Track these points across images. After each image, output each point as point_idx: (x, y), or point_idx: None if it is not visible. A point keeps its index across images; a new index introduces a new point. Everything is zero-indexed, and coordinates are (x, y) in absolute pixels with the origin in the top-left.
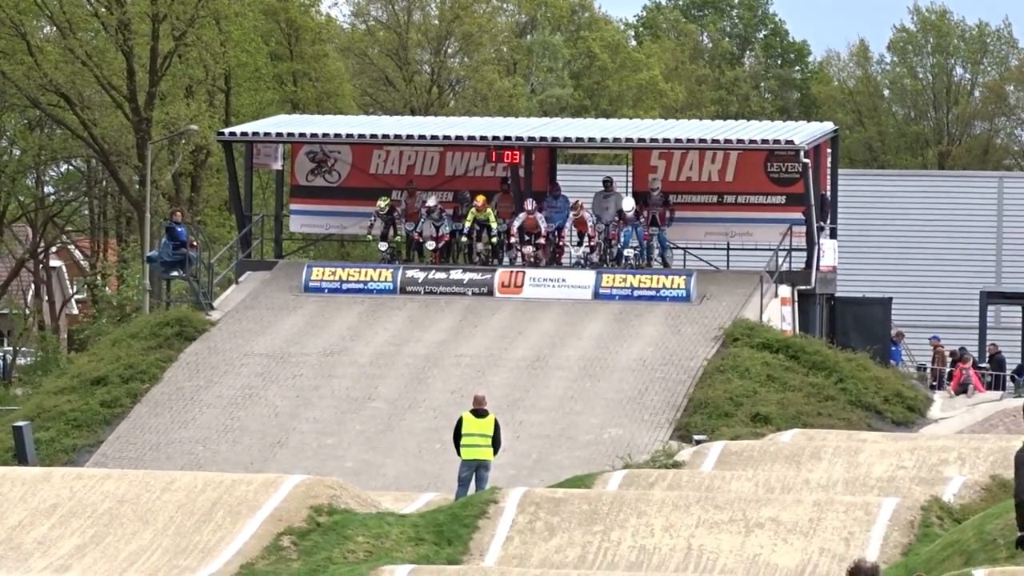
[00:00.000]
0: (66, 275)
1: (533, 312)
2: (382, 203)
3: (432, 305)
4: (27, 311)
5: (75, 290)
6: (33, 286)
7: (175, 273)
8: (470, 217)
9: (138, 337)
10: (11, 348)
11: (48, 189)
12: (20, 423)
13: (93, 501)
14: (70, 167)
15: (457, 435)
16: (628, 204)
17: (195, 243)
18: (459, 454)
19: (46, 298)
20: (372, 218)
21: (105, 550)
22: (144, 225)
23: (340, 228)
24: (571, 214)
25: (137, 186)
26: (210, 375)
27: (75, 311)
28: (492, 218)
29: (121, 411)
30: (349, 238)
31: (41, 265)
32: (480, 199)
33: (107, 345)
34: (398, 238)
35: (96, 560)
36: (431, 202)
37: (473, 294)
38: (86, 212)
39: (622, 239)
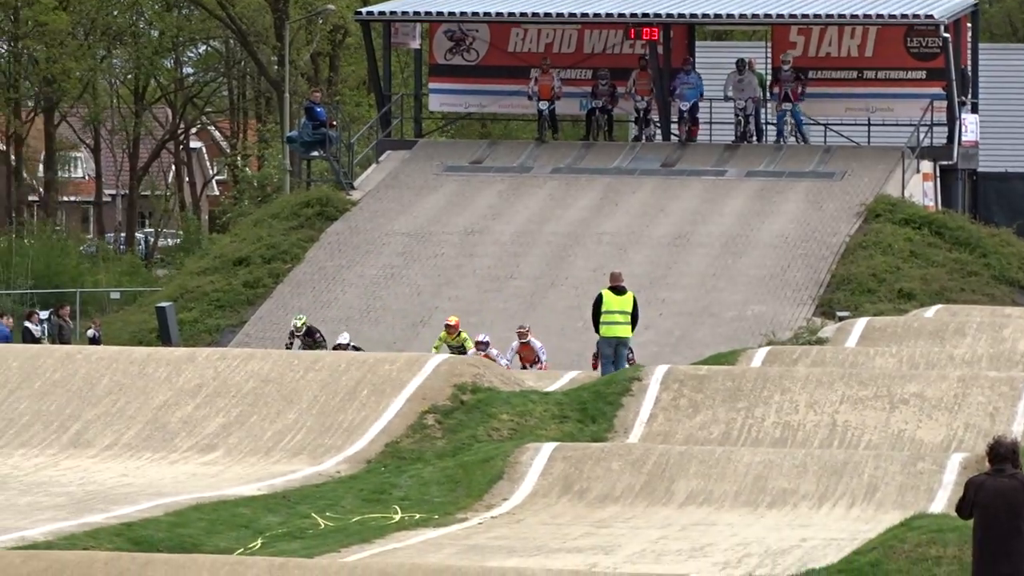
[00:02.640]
0: (206, 156)
1: (674, 189)
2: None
3: (573, 183)
4: (168, 193)
5: (215, 171)
6: (174, 168)
7: (315, 153)
8: (437, 343)
9: (279, 217)
10: (153, 230)
11: (187, 70)
12: (163, 304)
13: (237, 381)
14: (209, 48)
15: (597, 312)
16: None
17: (335, 123)
18: (598, 332)
19: (187, 179)
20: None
21: (250, 430)
22: (283, 105)
23: (479, 106)
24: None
25: (276, 66)
26: (352, 255)
27: (216, 192)
28: (468, 343)
29: (263, 291)
30: (488, 116)
31: (181, 147)
32: (453, 320)
33: (248, 226)
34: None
35: (241, 440)
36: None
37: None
38: (225, 93)
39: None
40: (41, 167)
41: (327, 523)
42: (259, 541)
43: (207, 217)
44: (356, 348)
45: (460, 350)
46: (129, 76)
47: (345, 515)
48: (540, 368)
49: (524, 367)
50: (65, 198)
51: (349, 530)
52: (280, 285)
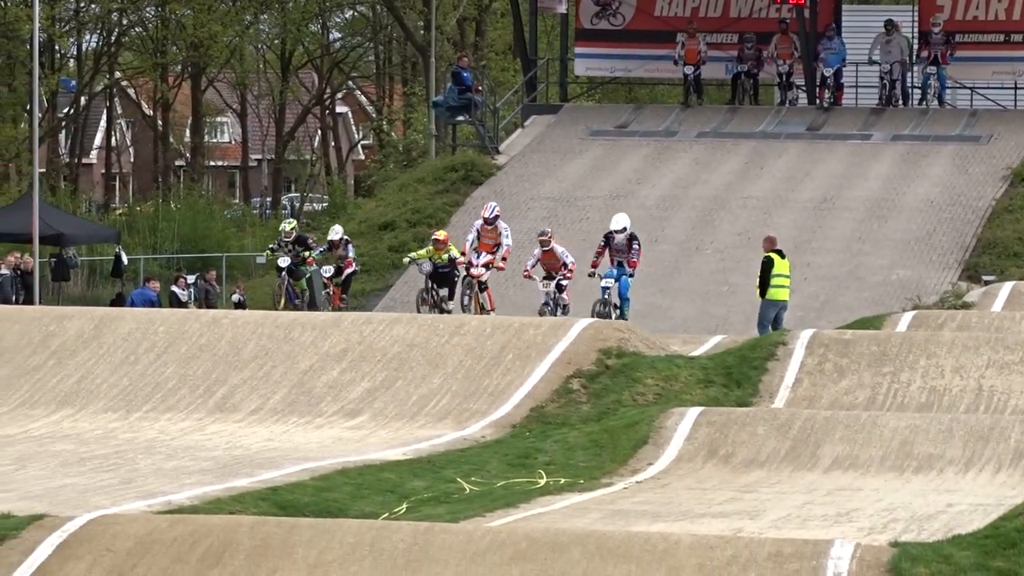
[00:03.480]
0: (352, 121)
1: (820, 153)
2: None
3: (718, 147)
4: (314, 157)
5: (361, 136)
6: (319, 132)
7: (461, 117)
8: (423, 253)
9: (425, 182)
10: (298, 194)
11: (334, 35)
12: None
13: (383, 345)
14: (355, 13)
15: (767, 276)
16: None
17: (480, 87)
18: (764, 295)
19: (332, 144)
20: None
21: (395, 394)
22: (429, 70)
23: (625, 71)
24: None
25: (422, 31)
26: None
27: (361, 157)
28: (454, 252)
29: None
30: (634, 81)
31: (327, 112)
32: (441, 234)
33: (394, 190)
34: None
35: (386, 404)
36: None
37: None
38: (371, 58)
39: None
40: (188, 132)
41: (472, 488)
42: (404, 506)
43: (352, 181)
44: (347, 241)
45: (446, 266)
46: (276, 41)
47: (490, 480)
48: (566, 274)
49: (550, 275)
50: (211, 163)
51: (494, 495)
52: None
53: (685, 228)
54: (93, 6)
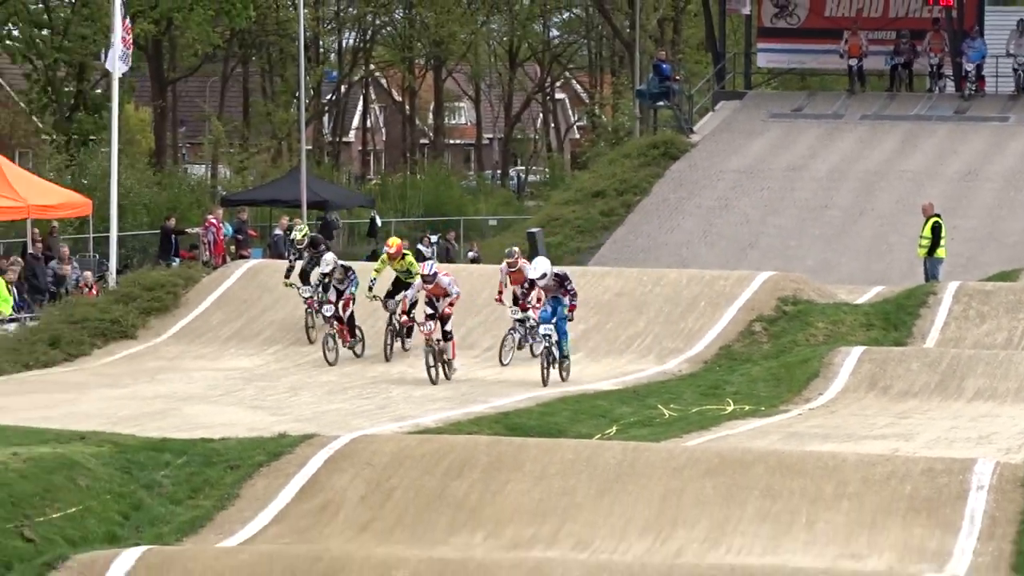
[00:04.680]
0: (569, 106)
1: (965, 133)
2: None
3: (878, 128)
4: (536, 136)
5: (576, 118)
6: (541, 115)
7: (661, 103)
8: (380, 267)
9: (630, 157)
10: (523, 168)
11: (553, 33)
12: (533, 229)
13: (596, 294)
14: (571, 14)
15: (938, 237)
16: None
17: (677, 77)
18: (932, 254)
19: (552, 125)
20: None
21: (606, 335)
22: (634, 63)
23: (800, 63)
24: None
25: (628, 29)
26: (691, 188)
27: (576, 136)
28: (414, 267)
29: (617, 219)
30: (807, 71)
31: (548, 98)
32: (393, 243)
33: (604, 164)
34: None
35: (599, 343)
36: None
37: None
38: (585, 53)
39: None
40: (431, 115)
41: (671, 413)
42: (614, 428)
43: (569, 157)
44: (347, 268)
45: (407, 275)
46: (504, 39)
47: (686, 407)
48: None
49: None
50: (450, 141)
51: (689, 419)
52: (631, 214)
53: (850, 196)
54: (351, 9)
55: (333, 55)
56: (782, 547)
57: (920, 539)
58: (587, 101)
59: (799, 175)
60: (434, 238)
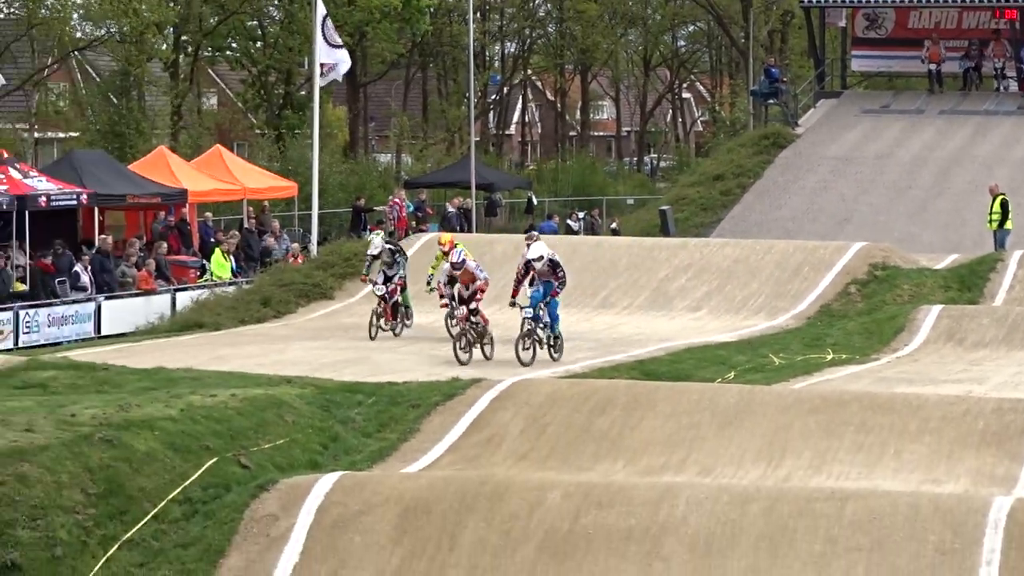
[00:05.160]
0: (693, 104)
1: None
2: None
3: (953, 121)
4: (666, 129)
5: (700, 114)
6: (670, 111)
7: (770, 101)
8: (436, 263)
9: (745, 146)
10: (656, 155)
11: (680, 43)
12: (664, 207)
13: (716, 261)
14: (696, 27)
15: (1007, 211)
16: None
17: (785, 79)
18: (1003, 226)
19: (680, 120)
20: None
21: (725, 295)
22: (748, 67)
23: (887, 67)
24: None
25: (743, 40)
26: (796, 172)
27: (700, 129)
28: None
29: (734, 198)
30: (894, 74)
31: (676, 97)
32: (444, 239)
33: (723, 152)
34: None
35: (719, 302)
36: None
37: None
38: (707, 59)
39: None
40: (578, 112)
41: (780, 361)
42: (732, 373)
43: (694, 146)
44: (395, 251)
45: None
46: (640, 48)
47: (792, 356)
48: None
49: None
50: (594, 133)
51: (795, 366)
52: (746, 194)
53: (930, 178)
54: (512, 23)
55: (497, 62)
56: (874, 473)
57: (991, 467)
58: (709, 100)
59: (887, 161)
60: (581, 214)
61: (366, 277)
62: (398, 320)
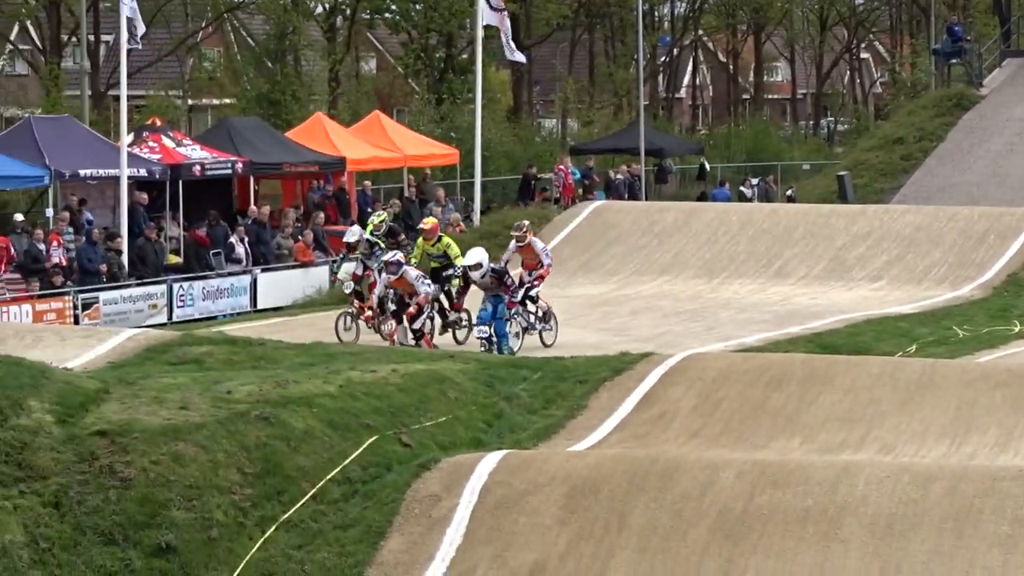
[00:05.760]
0: (872, 64)
1: None
2: None
3: None
4: (844, 91)
5: (879, 75)
6: (848, 73)
7: (953, 60)
8: (417, 252)
9: (926, 108)
10: (833, 119)
11: (859, 0)
12: (842, 172)
13: (897, 228)
14: None
15: None
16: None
17: (968, 38)
18: None
19: (858, 81)
20: None
21: (906, 264)
22: (930, 26)
23: None
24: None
25: None
26: (980, 135)
27: (879, 90)
28: (453, 250)
29: (915, 163)
30: None
31: (854, 57)
32: (428, 221)
33: (904, 114)
34: None
35: (900, 272)
36: None
37: None
38: (887, 17)
39: None
40: (751, 74)
41: (964, 333)
42: (914, 346)
43: (872, 109)
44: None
45: (444, 258)
46: (816, 6)
47: (977, 328)
48: (535, 282)
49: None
50: (769, 96)
51: (980, 339)
52: (928, 158)
53: None
54: None
55: (667, 22)
56: None
57: None
58: (888, 60)
59: None
60: (755, 181)
61: (336, 277)
62: (386, 316)
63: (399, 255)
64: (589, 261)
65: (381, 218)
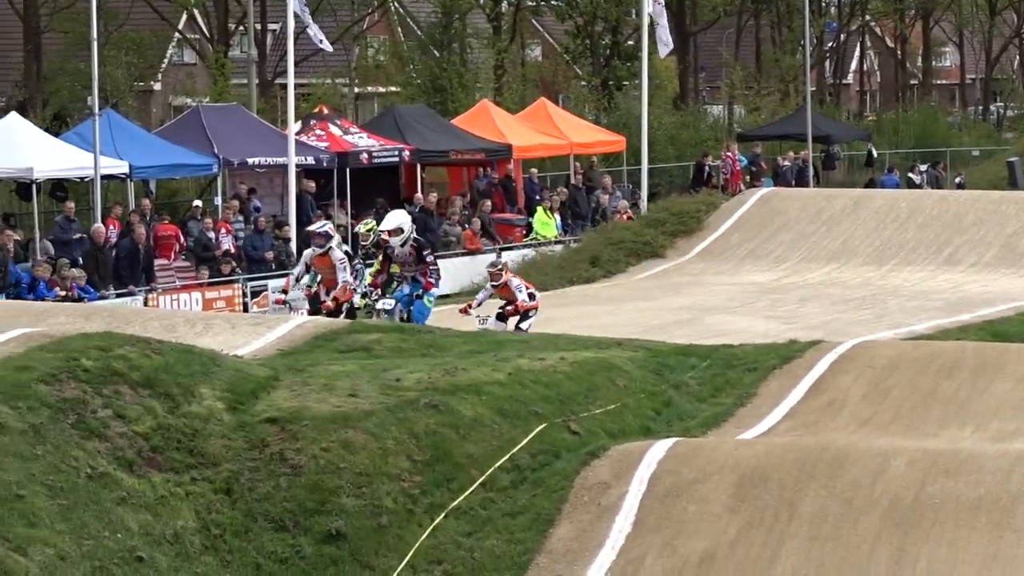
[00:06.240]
0: None
1: None
2: None
3: None
4: (1014, 76)
5: None
6: (1018, 57)
7: None
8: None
9: None
10: (1003, 104)
11: None
12: (1012, 159)
13: None
14: None
15: None
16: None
17: None
18: None
19: None
20: None
21: None
22: None
23: None
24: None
25: None
26: None
27: None
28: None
29: None
30: None
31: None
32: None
33: None
34: None
35: None
36: None
37: None
38: None
39: None
40: (919, 59)
41: None
42: None
43: None
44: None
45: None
46: None
47: None
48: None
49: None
50: (937, 81)
51: None
52: None
53: None
54: None
55: (833, 8)
56: None
57: None
58: None
59: None
60: (924, 167)
61: (282, 299)
62: None
63: (328, 225)
64: (757, 248)
65: (368, 227)
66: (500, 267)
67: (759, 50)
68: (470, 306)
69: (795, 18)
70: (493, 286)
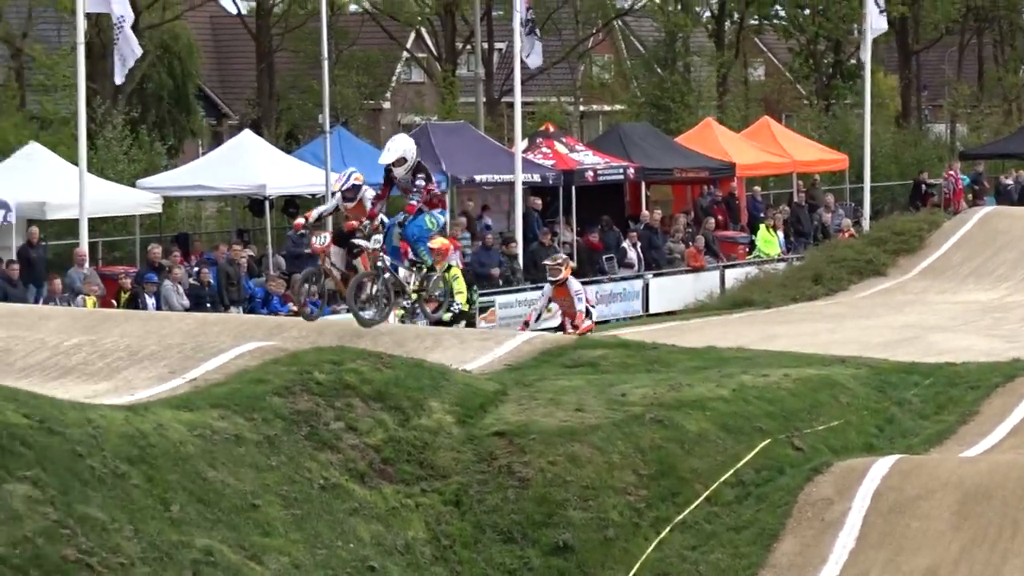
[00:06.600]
0: None
1: None
2: None
3: None
4: None
5: None
6: None
7: None
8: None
9: None
10: None
11: None
12: None
13: None
14: None
15: None
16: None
17: None
18: None
19: None
20: None
21: None
22: None
23: None
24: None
25: None
26: None
27: None
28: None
29: None
30: None
31: None
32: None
33: None
34: None
35: None
36: None
37: None
38: None
39: None
40: None
41: None
42: None
43: None
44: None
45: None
46: None
47: None
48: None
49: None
50: None
51: None
52: None
53: None
54: None
55: None
56: None
57: None
58: None
59: None
60: None
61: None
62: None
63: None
64: (979, 267)
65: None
66: (560, 261)
67: (981, 68)
68: (528, 322)
69: (1018, 36)
70: (551, 282)
